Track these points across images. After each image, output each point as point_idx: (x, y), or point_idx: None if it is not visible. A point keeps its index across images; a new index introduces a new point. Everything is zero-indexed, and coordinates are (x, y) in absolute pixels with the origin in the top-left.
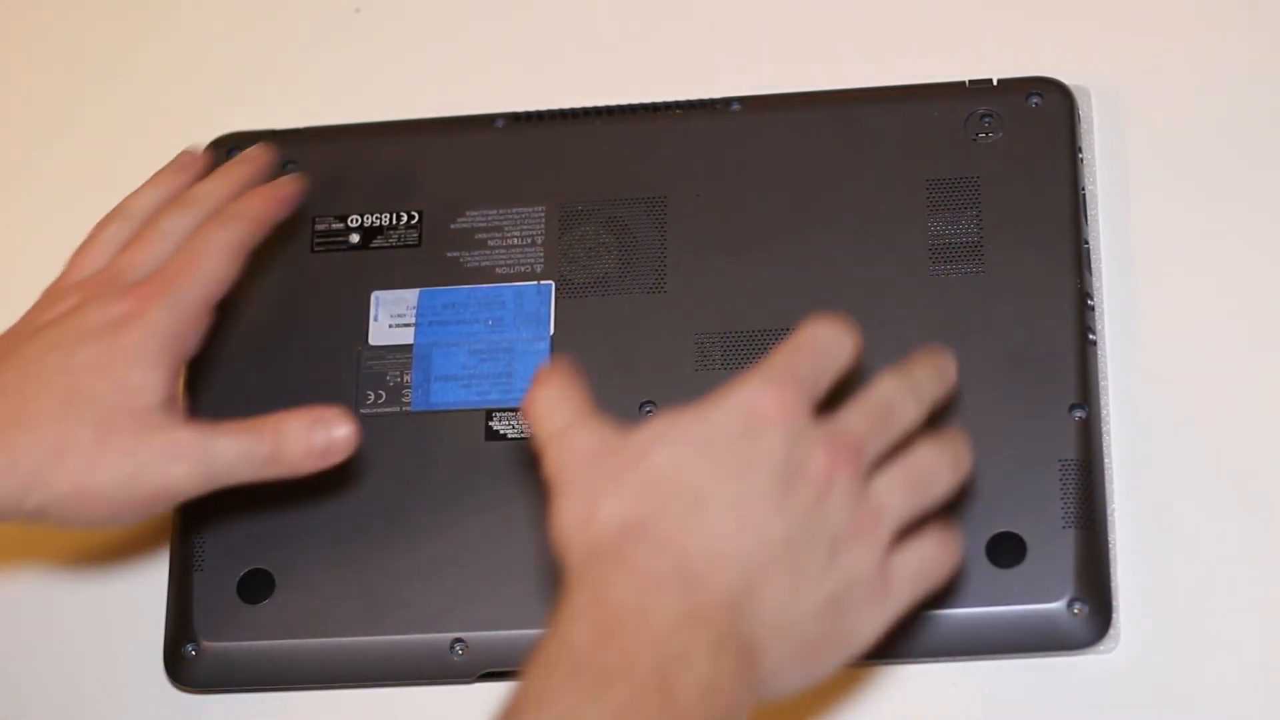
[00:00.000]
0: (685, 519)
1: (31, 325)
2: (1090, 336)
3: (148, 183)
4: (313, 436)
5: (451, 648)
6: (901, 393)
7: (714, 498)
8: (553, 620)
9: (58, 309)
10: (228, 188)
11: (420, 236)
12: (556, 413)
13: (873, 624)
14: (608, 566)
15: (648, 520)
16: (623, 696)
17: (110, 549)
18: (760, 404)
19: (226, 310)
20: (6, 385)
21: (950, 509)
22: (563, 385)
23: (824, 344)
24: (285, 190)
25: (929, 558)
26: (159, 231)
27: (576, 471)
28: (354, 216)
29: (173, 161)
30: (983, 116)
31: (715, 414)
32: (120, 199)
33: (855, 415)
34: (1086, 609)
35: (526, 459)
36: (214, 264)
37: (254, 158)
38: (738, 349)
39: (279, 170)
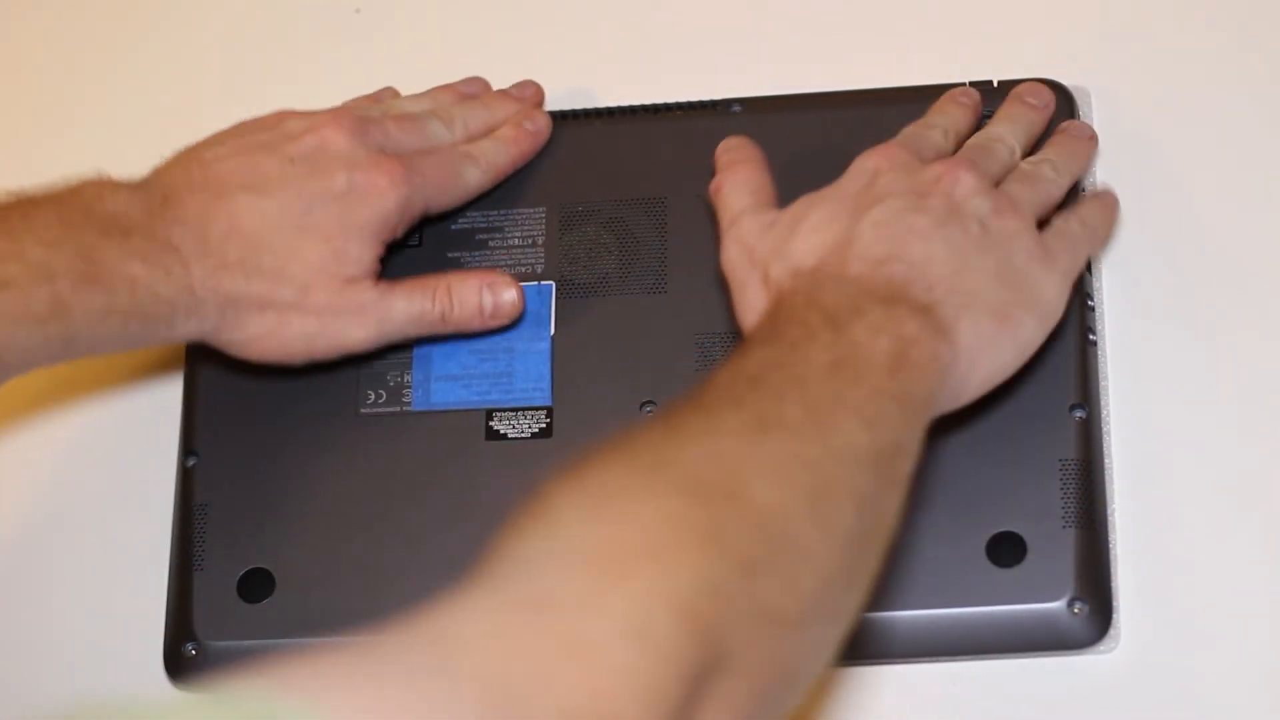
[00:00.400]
0: (843, 254)
1: (284, 145)
2: (1090, 336)
3: (427, 93)
4: (482, 299)
5: None
6: (1002, 132)
7: (860, 228)
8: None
9: (307, 139)
10: (491, 121)
11: (421, 236)
12: (735, 199)
13: (1051, 283)
14: (781, 305)
15: (811, 265)
16: (790, 335)
17: (110, 549)
18: (873, 158)
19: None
20: (246, 227)
21: (950, 509)
22: (745, 174)
23: (930, 118)
24: (536, 137)
25: (1085, 218)
26: (424, 130)
27: (744, 271)
28: None
29: (457, 84)
30: (983, 117)
31: (843, 180)
32: None
33: (965, 150)
34: (1086, 609)
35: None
36: (452, 187)
37: (527, 97)
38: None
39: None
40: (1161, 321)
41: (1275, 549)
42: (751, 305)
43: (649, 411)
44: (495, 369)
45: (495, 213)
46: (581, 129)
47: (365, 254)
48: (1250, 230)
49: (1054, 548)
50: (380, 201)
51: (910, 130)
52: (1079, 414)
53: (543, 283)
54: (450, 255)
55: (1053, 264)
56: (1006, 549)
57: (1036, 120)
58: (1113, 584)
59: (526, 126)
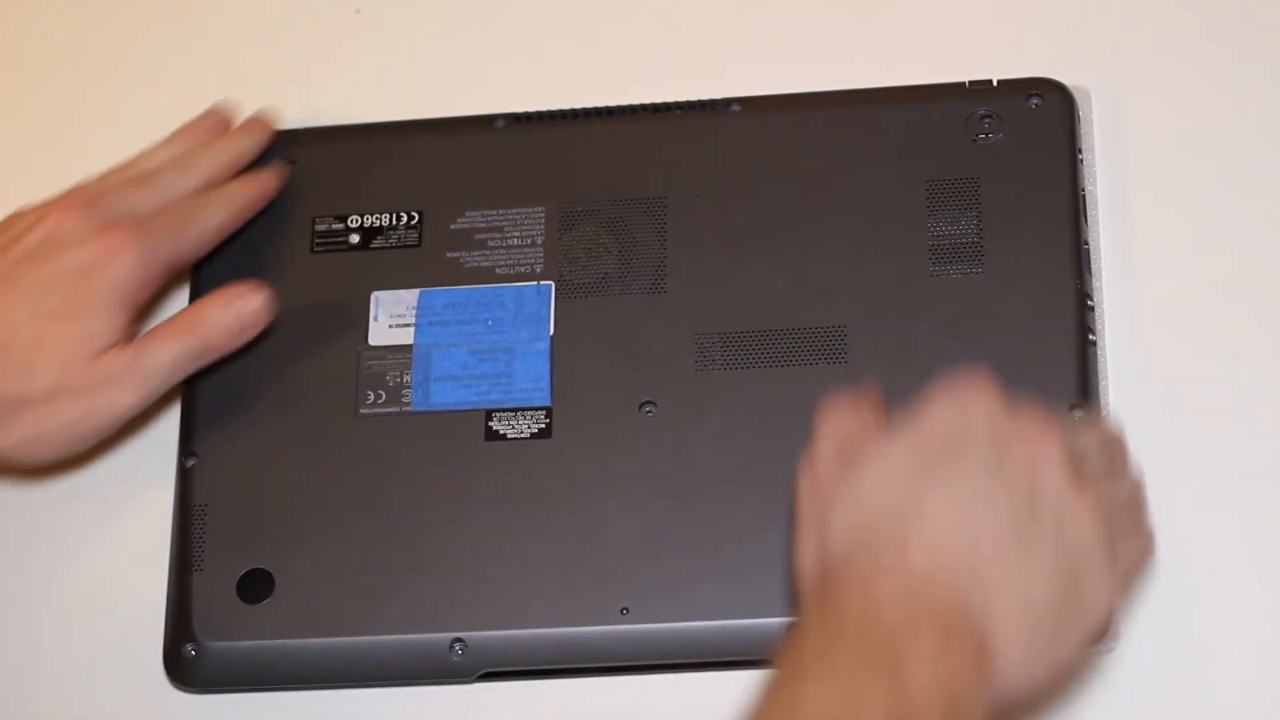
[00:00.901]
0: (905, 532)
1: (11, 247)
2: (1090, 337)
3: (168, 140)
4: (227, 317)
5: (451, 647)
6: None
7: (930, 505)
8: (781, 648)
9: (38, 230)
10: (228, 159)
11: (420, 237)
12: (819, 444)
13: (1104, 595)
14: (836, 589)
15: (869, 542)
16: (848, 673)
17: (110, 549)
18: (955, 407)
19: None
20: None
21: None
22: (839, 419)
23: None
24: (273, 182)
25: (1135, 550)
26: (156, 185)
27: (806, 508)
28: (354, 217)
29: (198, 121)
30: (983, 117)
31: (916, 427)
32: None
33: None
34: None
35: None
36: (191, 233)
37: (256, 129)
38: (738, 349)
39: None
40: (1161, 321)
41: (1275, 549)
42: (807, 548)
43: (648, 412)
44: (494, 369)
45: (495, 212)
46: (581, 129)
47: (110, 324)
48: (1250, 230)
49: None
50: (114, 268)
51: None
52: (1078, 414)
53: (542, 283)
54: (450, 255)
55: (1113, 572)
56: None
57: (1121, 455)
58: None
59: (265, 172)
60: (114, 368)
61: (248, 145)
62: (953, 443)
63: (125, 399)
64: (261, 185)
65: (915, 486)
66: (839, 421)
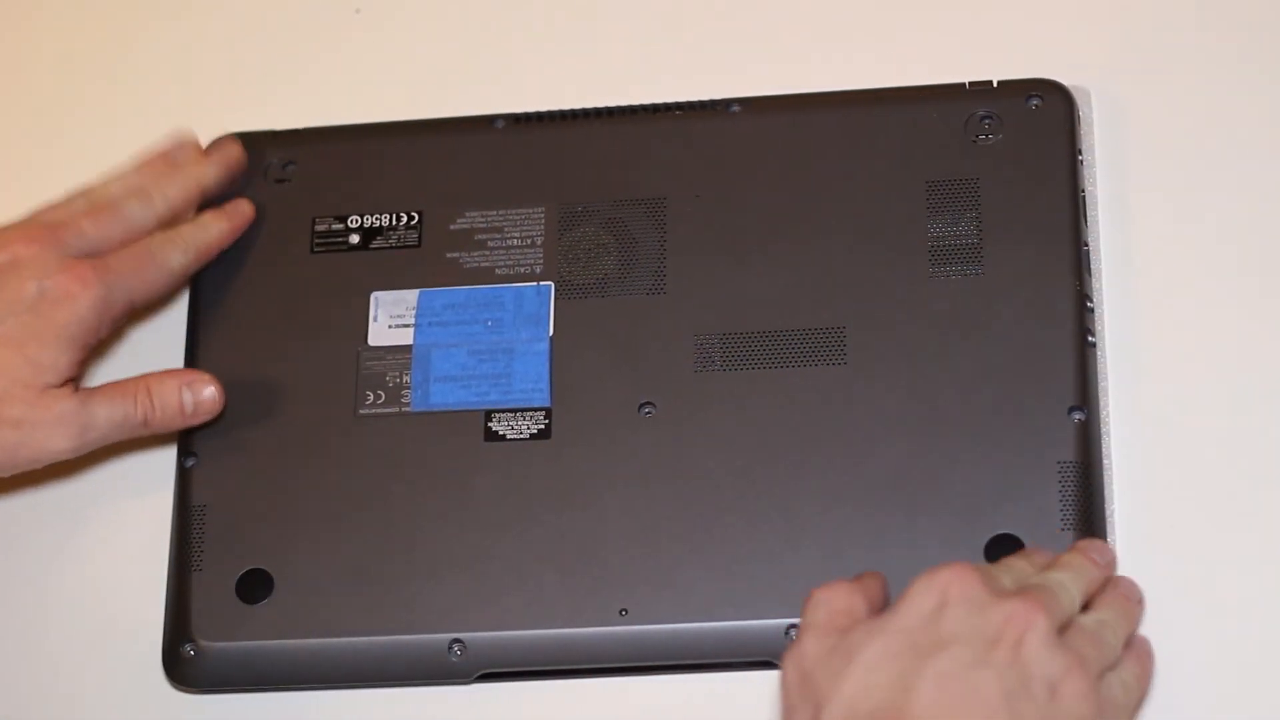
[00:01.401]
0: (900, 711)
1: None
2: (1089, 338)
3: (134, 167)
4: (183, 398)
5: (450, 648)
6: (1065, 580)
7: (921, 680)
8: None
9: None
10: (194, 191)
11: (420, 237)
12: (810, 612)
13: None
14: None
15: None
16: None
17: (109, 549)
18: (940, 579)
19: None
20: None
21: (948, 511)
22: (834, 591)
23: (1011, 560)
24: (240, 218)
25: (1128, 684)
26: (118, 217)
27: (796, 700)
28: (354, 217)
29: (164, 147)
30: (983, 118)
31: (908, 603)
32: None
33: (1031, 588)
34: None
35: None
36: (152, 276)
37: (224, 158)
38: (737, 350)
39: (279, 170)
40: (1161, 322)
41: (1275, 550)
42: None
43: (647, 413)
44: (494, 370)
45: (494, 213)
46: (581, 129)
47: (61, 360)
48: (1250, 230)
49: (1053, 550)
50: (73, 306)
51: (985, 566)
52: (1078, 416)
53: (542, 283)
54: (450, 256)
55: None
56: (1005, 551)
57: (1097, 578)
58: None
59: (229, 210)
60: (57, 408)
61: (213, 175)
62: (938, 634)
63: (61, 443)
64: (230, 220)
65: (905, 685)
66: (823, 610)
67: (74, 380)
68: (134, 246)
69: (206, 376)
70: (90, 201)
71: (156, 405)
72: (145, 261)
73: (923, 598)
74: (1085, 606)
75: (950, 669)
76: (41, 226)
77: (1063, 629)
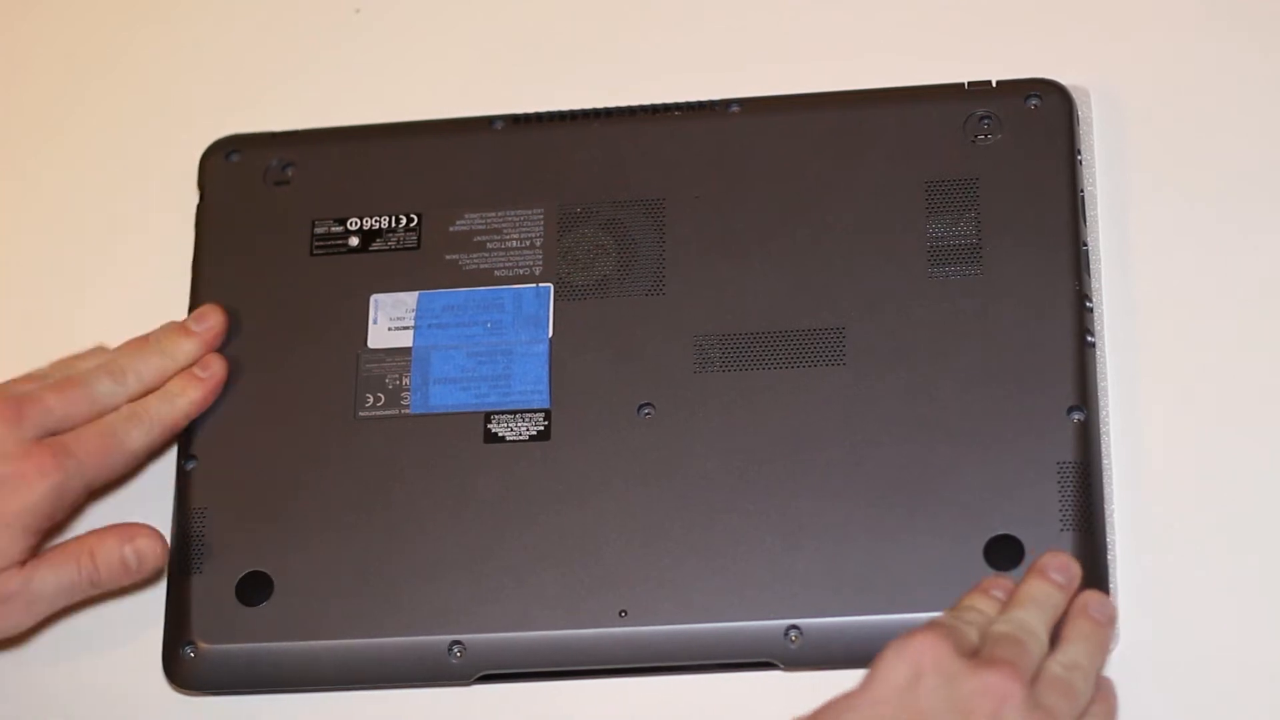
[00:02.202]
0: None
1: None
2: (1089, 338)
3: (115, 348)
4: (124, 554)
5: (449, 650)
6: (1032, 624)
7: None
8: None
9: None
10: (168, 366)
11: (419, 239)
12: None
13: None
14: None
15: None
16: None
17: None
18: (911, 651)
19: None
20: None
21: (947, 512)
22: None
23: (964, 608)
24: (211, 384)
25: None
26: (89, 393)
27: None
28: (353, 219)
29: (147, 336)
30: (982, 118)
31: (881, 675)
32: (120, 200)
33: (1001, 647)
34: None
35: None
36: (113, 459)
37: (208, 333)
38: (737, 351)
39: (278, 172)
40: (1161, 322)
41: (1274, 550)
42: None
43: (647, 414)
44: (493, 371)
45: (494, 214)
46: (580, 130)
47: (12, 546)
48: (1249, 230)
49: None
50: (28, 493)
51: (946, 619)
52: (1077, 416)
53: (541, 284)
54: (449, 257)
55: None
56: (1004, 552)
57: (1061, 601)
58: (1112, 585)
59: (199, 374)
60: (4, 589)
61: (192, 353)
62: (913, 695)
63: (9, 620)
64: (201, 389)
65: None
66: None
67: (23, 560)
68: (97, 424)
69: (144, 528)
70: (63, 375)
71: (101, 567)
72: (107, 442)
73: (895, 670)
74: (1054, 637)
75: None
76: (6, 401)
77: (1034, 680)
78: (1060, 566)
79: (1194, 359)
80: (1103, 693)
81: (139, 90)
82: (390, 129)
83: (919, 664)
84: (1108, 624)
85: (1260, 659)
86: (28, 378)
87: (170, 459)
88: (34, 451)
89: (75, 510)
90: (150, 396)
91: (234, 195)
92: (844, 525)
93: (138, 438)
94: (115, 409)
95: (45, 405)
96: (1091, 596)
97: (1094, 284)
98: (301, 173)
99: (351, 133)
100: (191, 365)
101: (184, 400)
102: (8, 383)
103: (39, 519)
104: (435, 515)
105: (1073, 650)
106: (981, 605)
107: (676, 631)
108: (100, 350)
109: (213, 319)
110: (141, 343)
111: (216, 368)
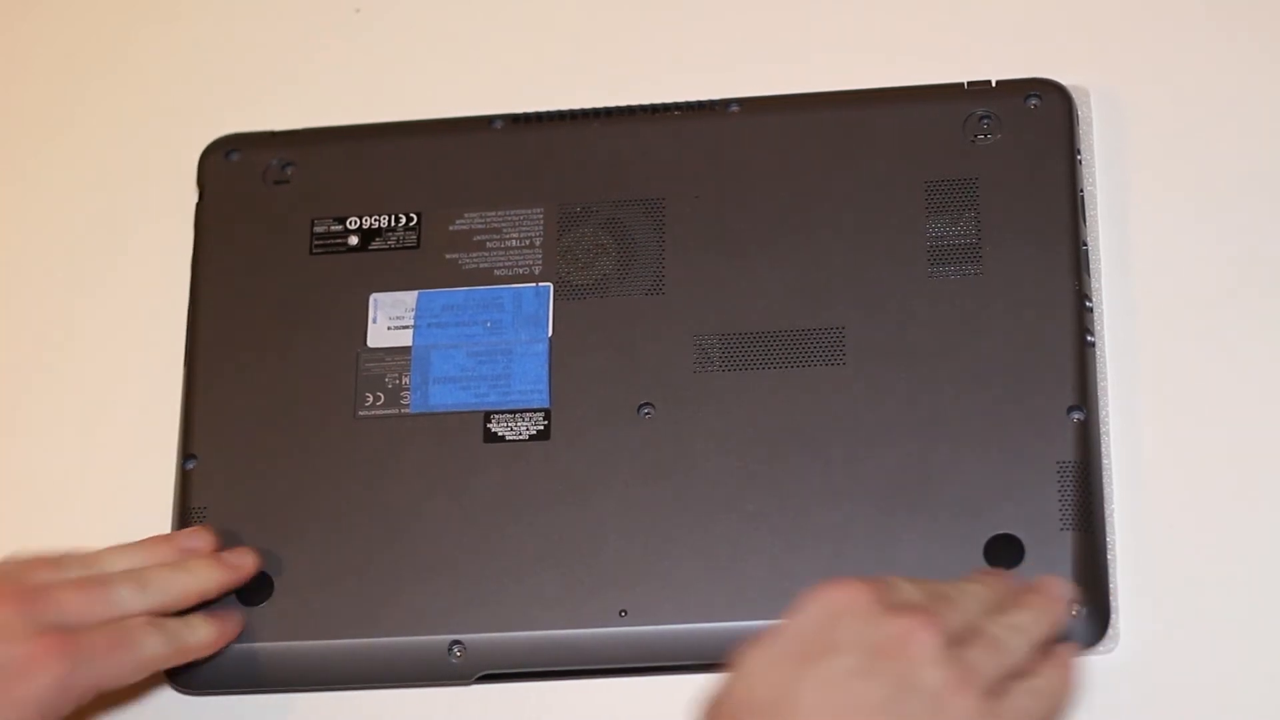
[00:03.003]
0: (778, 709)
1: None
2: (1089, 338)
3: (140, 545)
4: None
5: (449, 650)
6: (977, 588)
7: (803, 684)
8: None
9: None
10: (193, 590)
11: (419, 238)
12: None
13: None
14: None
15: None
16: None
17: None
18: (835, 594)
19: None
20: None
21: (947, 512)
22: (767, 637)
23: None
24: (231, 631)
25: (1040, 690)
26: (106, 597)
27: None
28: (352, 218)
29: (179, 539)
30: (981, 118)
31: (800, 614)
32: (120, 199)
33: (928, 600)
34: (1085, 611)
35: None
36: (126, 661)
37: (239, 571)
38: (736, 350)
39: (278, 171)
40: (1160, 322)
41: (1274, 550)
42: None
43: (646, 414)
44: (493, 371)
45: (493, 213)
46: (580, 129)
47: None
48: (1249, 230)
49: (1052, 550)
50: (36, 682)
51: (889, 579)
52: (1077, 416)
53: (540, 284)
54: (449, 257)
55: None
56: (1004, 552)
57: (1016, 587)
58: (1112, 585)
59: (222, 617)
60: None
61: (220, 584)
62: (827, 641)
63: None
64: (221, 630)
65: (788, 687)
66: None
67: None
68: (113, 625)
69: None
70: (84, 572)
71: None
72: (121, 644)
73: (817, 606)
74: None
75: (833, 675)
76: (20, 589)
77: (962, 638)
78: (1051, 587)
79: (1194, 359)
80: (1056, 660)
81: (139, 90)
82: (390, 128)
83: (835, 606)
84: (1061, 600)
85: (1260, 659)
86: (48, 562)
87: (170, 459)
88: (43, 640)
89: (81, 713)
90: (171, 619)
91: (234, 194)
92: (844, 524)
93: (153, 646)
94: (133, 616)
95: (59, 601)
96: (1050, 577)
97: (1094, 284)
98: (301, 172)
99: (351, 132)
100: (213, 598)
101: (205, 633)
102: (27, 563)
103: (44, 709)
104: (435, 515)
105: (1017, 615)
106: (939, 583)
107: (676, 631)
108: (124, 550)
109: (247, 560)
110: (172, 552)
111: (235, 621)
